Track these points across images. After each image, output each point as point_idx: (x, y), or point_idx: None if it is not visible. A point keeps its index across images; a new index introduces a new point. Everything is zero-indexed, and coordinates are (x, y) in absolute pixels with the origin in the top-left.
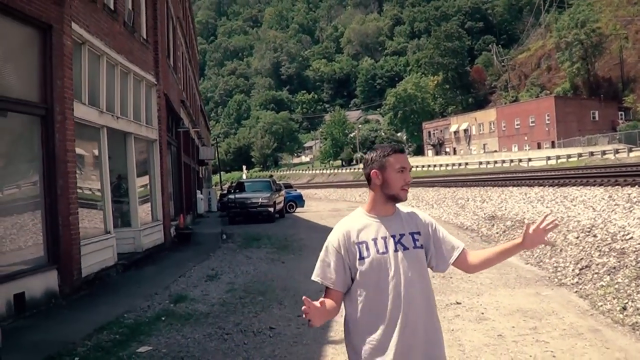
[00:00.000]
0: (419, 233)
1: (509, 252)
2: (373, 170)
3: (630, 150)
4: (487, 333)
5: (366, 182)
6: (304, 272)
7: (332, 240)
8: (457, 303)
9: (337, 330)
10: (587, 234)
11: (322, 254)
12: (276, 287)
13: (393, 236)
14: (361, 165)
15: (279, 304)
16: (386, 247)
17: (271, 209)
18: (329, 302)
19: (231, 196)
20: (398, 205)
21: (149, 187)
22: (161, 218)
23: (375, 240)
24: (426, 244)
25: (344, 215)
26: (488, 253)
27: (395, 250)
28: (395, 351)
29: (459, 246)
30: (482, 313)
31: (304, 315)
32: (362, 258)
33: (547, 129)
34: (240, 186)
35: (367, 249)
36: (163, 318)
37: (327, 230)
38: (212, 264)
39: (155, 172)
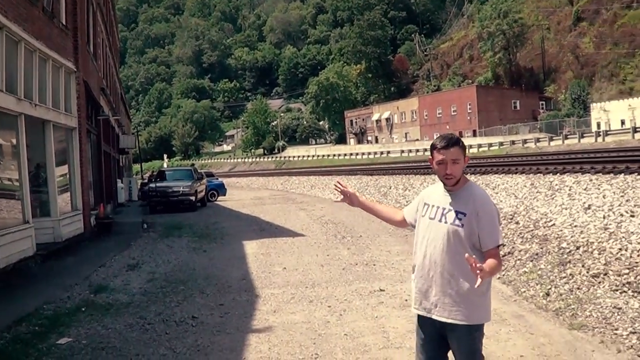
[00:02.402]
0: (464, 214)
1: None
2: (430, 157)
3: (551, 140)
4: (411, 320)
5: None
6: (226, 260)
7: (421, 194)
8: (381, 290)
9: (261, 319)
10: (510, 221)
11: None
12: (198, 275)
13: (444, 208)
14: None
15: (201, 293)
16: (435, 215)
17: (192, 198)
18: (389, 207)
19: (152, 185)
20: (471, 184)
21: (68, 176)
22: (81, 207)
23: (433, 206)
24: (471, 226)
25: (266, 204)
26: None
27: (439, 220)
28: (416, 289)
29: (488, 245)
30: (406, 300)
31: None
32: (422, 215)
33: (468, 117)
34: (161, 175)
35: (426, 209)
36: (83, 309)
37: (250, 218)
38: (133, 254)
39: (74, 160)
